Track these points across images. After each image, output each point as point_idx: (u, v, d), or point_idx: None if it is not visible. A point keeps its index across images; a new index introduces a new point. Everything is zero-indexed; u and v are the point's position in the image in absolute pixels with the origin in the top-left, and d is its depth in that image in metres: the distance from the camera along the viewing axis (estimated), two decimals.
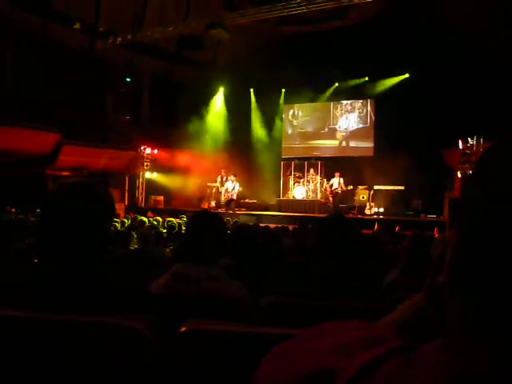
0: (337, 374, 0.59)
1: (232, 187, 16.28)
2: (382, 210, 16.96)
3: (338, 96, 19.49)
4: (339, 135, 19.96)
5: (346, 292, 2.18)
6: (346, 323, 0.69)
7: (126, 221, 9.55)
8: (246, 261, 3.21)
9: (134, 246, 6.09)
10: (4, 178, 14.09)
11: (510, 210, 0.52)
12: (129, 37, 16.58)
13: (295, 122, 21.04)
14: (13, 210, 10.75)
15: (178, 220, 10.45)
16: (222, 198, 16.92)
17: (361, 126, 19.53)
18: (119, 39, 16.59)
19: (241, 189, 16.47)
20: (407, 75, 17.34)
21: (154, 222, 8.95)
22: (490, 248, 0.54)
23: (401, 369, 0.57)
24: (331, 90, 19.42)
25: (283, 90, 20.27)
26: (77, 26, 15.66)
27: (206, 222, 2.48)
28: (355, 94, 19.03)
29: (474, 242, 0.55)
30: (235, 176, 16.52)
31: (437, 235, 9.95)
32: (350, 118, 19.77)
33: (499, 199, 0.54)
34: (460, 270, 0.58)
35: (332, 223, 2.37)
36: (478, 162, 0.62)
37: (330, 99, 19.81)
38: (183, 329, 1.54)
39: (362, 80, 18.51)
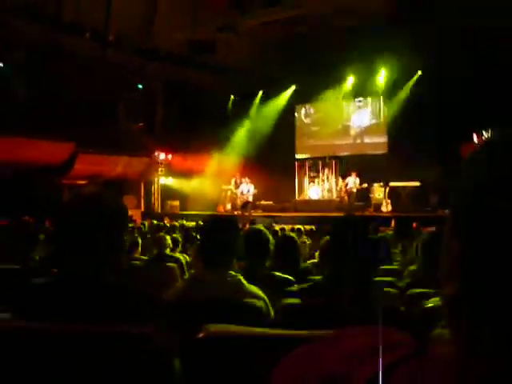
0: (353, 379, 0.59)
1: (247, 190, 16.31)
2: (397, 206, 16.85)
3: (350, 93, 19.38)
4: (353, 131, 19.88)
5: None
6: (363, 328, 0.69)
7: (143, 227, 9.59)
8: (260, 264, 3.21)
9: (151, 253, 6.11)
10: (21, 189, 14.23)
11: None
12: (139, 43, 16.66)
13: (308, 121, 20.97)
14: (30, 220, 10.83)
15: (194, 224, 10.48)
16: (238, 201, 16.93)
17: (374, 121, 19.43)
18: (129, 46, 16.67)
19: (256, 191, 16.49)
20: (420, 72, 17.21)
21: (170, 229, 8.98)
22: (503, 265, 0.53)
23: (416, 373, 0.57)
24: (344, 87, 19.32)
25: (295, 89, 20.16)
26: (87, 35, 15.76)
27: (220, 227, 2.49)
28: (368, 90, 18.93)
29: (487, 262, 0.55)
30: (249, 178, 16.56)
31: None
32: (363, 114, 19.68)
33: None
34: (469, 287, 0.57)
35: (339, 226, 2.37)
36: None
37: (342, 97, 19.70)
38: (201, 334, 1.55)
39: (374, 77, 18.39)
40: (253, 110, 20.84)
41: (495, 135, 0.62)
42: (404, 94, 17.57)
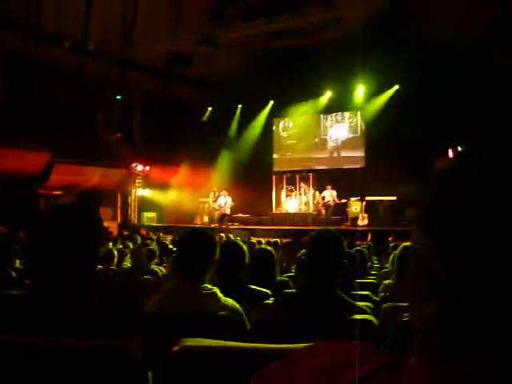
0: None
1: (224, 202, 16.27)
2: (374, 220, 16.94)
3: (328, 107, 19.52)
4: (330, 145, 19.98)
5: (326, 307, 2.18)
6: (332, 343, 0.69)
7: (119, 239, 9.51)
8: (236, 277, 3.21)
9: (126, 265, 6.06)
10: None
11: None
12: (118, 54, 16.61)
13: (285, 134, 21.04)
14: (5, 230, 10.67)
15: (171, 237, 10.42)
16: (215, 214, 16.90)
17: (351, 135, 19.58)
18: (109, 57, 16.60)
19: (233, 204, 16.48)
20: (397, 86, 17.40)
21: (148, 241, 8.92)
22: (480, 263, 0.54)
23: None
24: (321, 101, 19.45)
25: (272, 103, 20.27)
26: (66, 45, 15.66)
27: (196, 241, 2.48)
28: (345, 105, 19.07)
29: (462, 254, 0.55)
30: (227, 191, 16.53)
31: None
32: (340, 128, 19.81)
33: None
34: (441, 287, 0.57)
35: (315, 240, 2.38)
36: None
37: (320, 111, 19.83)
38: (176, 348, 1.54)
39: (351, 92, 18.54)
40: (232, 124, 20.87)
41: (467, 148, 0.63)
42: (381, 108, 17.73)
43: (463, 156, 0.62)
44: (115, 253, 6.07)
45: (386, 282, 4.12)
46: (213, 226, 17.09)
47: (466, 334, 0.55)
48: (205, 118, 20.71)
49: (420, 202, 0.64)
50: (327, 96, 19.16)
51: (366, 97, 18.33)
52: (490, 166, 0.57)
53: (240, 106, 20.66)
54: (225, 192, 16.51)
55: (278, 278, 4.25)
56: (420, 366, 0.58)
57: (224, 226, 15.95)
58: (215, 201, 17.09)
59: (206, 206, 19.07)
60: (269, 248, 4.27)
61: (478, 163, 0.58)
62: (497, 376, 0.53)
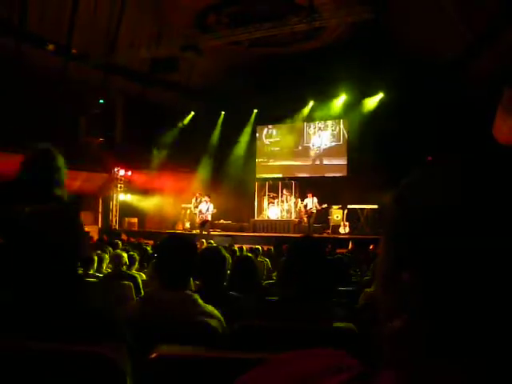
0: None
1: (206, 208, 16.24)
2: (355, 229, 17.01)
3: (311, 115, 19.61)
4: (313, 153, 20.08)
5: (311, 314, 2.18)
6: (309, 351, 0.69)
7: (100, 243, 9.44)
8: (216, 283, 3.19)
9: (107, 270, 6.02)
10: None
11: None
12: (102, 58, 16.55)
13: (268, 142, 21.12)
14: None
15: (152, 242, 10.38)
16: (197, 220, 16.87)
17: (334, 143, 19.68)
18: (92, 61, 16.54)
19: (215, 210, 16.45)
20: (381, 95, 17.52)
21: (128, 246, 8.87)
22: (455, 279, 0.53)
23: None
24: (304, 109, 19.55)
25: (256, 111, 20.33)
26: (50, 47, 15.57)
27: (177, 247, 2.47)
28: (328, 113, 19.17)
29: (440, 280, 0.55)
30: (209, 197, 16.51)
31: None
32: (322, 136, 19.91)
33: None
34: (410, 300, 0.57)
35: (296, 247, 2.38)
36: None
37: (303, 119, 19.93)
38: (154, 355, 1.53)
39: (334, 100, 18.65)
40: (215, 130, 20.89)
41: (433, 161, 0.63)
42: (363, 117, 17.83)
43: (429, 168, 0.62)
44: (95, 257, 6.02)
45: (368, 290, 4.14)
46: (194, 231, 17.06)
47: (436, 346, 0.55)
48: (186, 121, 20.64)
49: (386, 213, 0.64)
50: (310, 104, 19.27)
51: (349, 105, 18.45)
52: (456, 178, 0.57)
53: (223, 112, 20.69)
54: (207, 198, 16.48)
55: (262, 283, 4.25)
56: (391, 378, 0.58)
57: (205, 232, 15.92)
58: (197, 206, 17.05)
59: (188, 211, 19.03)
60: (250, 255, 4.26)
61: (444, 175, 0.59)
62: None
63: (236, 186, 19.16)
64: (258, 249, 9.53)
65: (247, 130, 20.73)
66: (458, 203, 0.54)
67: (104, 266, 6.12)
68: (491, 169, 0.56)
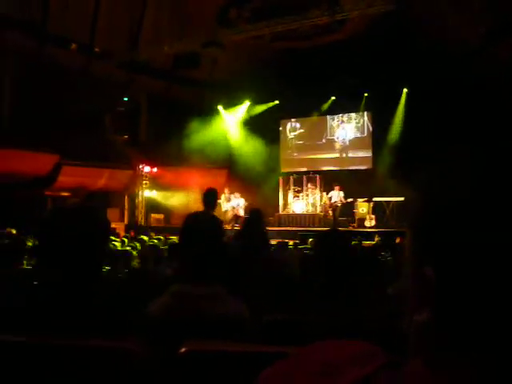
0: None
1: (237, 203, 16.34)
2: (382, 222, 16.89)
3: (334, 108, 19.53)
4: (337, 146, 19.98)
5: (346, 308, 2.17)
6: (335, 342, 0.69)
7: (126, 240, 9.52)
8: (246, 276, 3.20)
9: (134, 266, 6.06)
10: (4, 200, 14.08)
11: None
12: (125, 56, 16.67)
13: (292, 135, 21.07)
14: (13, 231, 10.72)
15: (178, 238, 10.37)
16: (228, 215, 16.86)
17: (358, 135, 19.57)
18: (115, 59, 16.67)
19: (247, 204, 16.49)
20: (406, 90, 17.40)
21: (155, 241, 8.91)
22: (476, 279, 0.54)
23: None
24: (328, 103, 19.47)
25: (280, 104, 20.25)
26: (73, 47, 15.74)
27: (204, 238, 2.47)
28: (352, 106, 19.07)
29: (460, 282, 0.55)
30: (239, 193, 16.63)
31: None
32: (347, 129, 19.81)
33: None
34: (434, 294, 0.58)
35: (323, 239, 2.37)
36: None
37: (326, 112, 19.84)
38: (182, 350, 1.54)
39: (357, 92, 18.53)
40: (238, 125, 20.89)
41: (453, 153, 0.63)
42: (389, 109, 17.69)
43: (449, 161, 0.62)
44: (122, 254, 6.08)
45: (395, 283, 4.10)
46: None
47: (457, 339, 0.56)
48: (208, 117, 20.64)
49: (410, 207, 0.64)
50: (333, 97, 19.17)
51: (372, 98, 18.29)
52: (476, 171, 0.58)
53: (246, 106, 20.68)
54: (237, 194, 16.57)
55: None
56: (416, 368, 0.59)
57: (237, 227, 15.96)
58: (228, 202, 17.09)
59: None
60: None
61: (464, 168, 0.59)
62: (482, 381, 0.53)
63: (260, 181, 19.13)
64: (287, 243, 9.54)
65: (271, 124, 20.66)
66: (477, 197, 0.55)
67: (131, 262, 6.17)
68: None
